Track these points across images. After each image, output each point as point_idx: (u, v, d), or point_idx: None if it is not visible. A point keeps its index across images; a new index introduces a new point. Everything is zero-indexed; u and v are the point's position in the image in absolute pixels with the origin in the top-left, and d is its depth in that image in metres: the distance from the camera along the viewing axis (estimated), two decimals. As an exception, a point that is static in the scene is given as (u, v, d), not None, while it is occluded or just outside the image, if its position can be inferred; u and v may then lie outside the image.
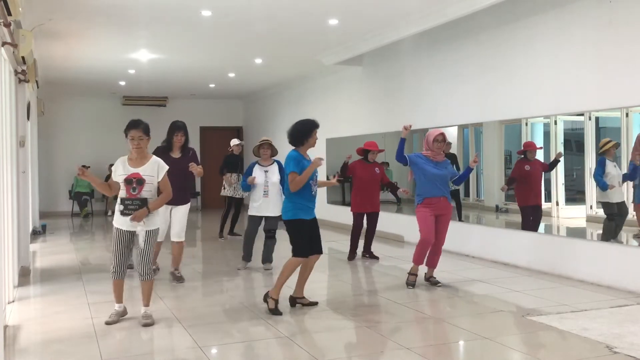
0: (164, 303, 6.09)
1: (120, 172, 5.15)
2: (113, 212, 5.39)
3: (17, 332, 5.18)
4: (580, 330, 4.88)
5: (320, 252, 5.75)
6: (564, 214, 7.81)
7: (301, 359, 4.43)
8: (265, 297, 5.69)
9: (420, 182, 6.53)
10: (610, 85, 6.55)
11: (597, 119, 7.17)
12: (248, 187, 7.60)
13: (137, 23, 8.55)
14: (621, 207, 6.88)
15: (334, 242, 10.02)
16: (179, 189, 6.51)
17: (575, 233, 7.69)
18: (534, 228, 7.82)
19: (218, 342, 4.87)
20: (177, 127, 6.99)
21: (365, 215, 8.39)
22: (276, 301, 5.57)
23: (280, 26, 8.79)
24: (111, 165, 16.30)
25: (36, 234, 11.84)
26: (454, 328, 5.16)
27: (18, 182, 7.34)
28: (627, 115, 6.68)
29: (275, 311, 5.52)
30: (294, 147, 5.70)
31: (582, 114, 7.24)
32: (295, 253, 5.56)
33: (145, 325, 5.18)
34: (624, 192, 6.81)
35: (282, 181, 7.35)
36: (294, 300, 5.82)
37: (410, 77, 10.18)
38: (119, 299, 5.36)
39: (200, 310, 5.93)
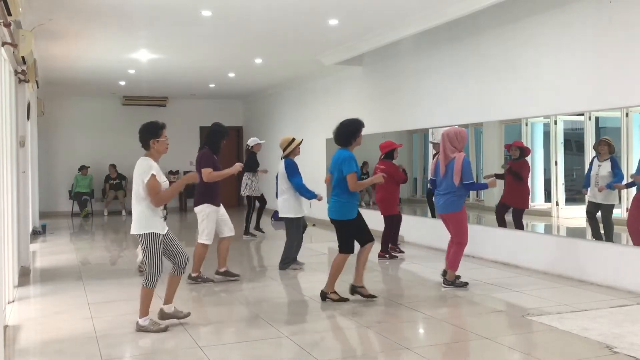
0: (164, 303, 6.10)
1: (164, 177, 5.07)
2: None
3: (17, 332, 5.18)
4: (580, 330, 4.88)
5: (373, 239, 6.06)
6: (564, 214, 7.81)
7: (301, 359, 4.43)
8: (324, 297, 5.96)
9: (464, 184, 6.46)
10: (610, 85, 6.55)
11: (597, 119, 7.17)
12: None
13: (137, 23, 8.55)
14: (593, 207, 7.01)
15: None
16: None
17: (575, 233, 7.69)
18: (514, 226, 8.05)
19: (218, 342, 4.87)
20: (228, 133, 7.17)
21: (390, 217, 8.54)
22: (335, 292, 5.96)
23: (280, 26, 8.79)
24: (112, 165, 16.41)
25: (36, 234, 11.84)
26: (454, 328, 5.16)
27: (18, 182, 7.34)
28: (627, 115, 6.68)
29: (342, 299, 5.93)
30: (340, 147, 5.91)
31: (582, 114, 7.24)
32: (347, 250, 5.95)
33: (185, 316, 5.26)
34: (604, 192, 6.86)
35: None
36: (354, 289, 6.06)
37: (410, 77, 10.18)
38: (148, 311, 5.09)
39: (201, 310, 5.93)
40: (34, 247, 9.91)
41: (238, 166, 6.89)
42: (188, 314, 5.32)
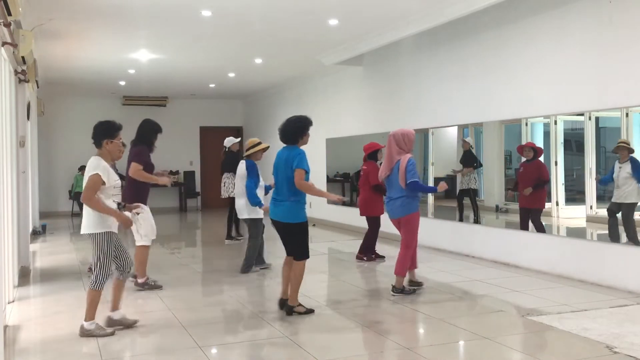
0: (164, 303, 6.10)
1: (116, 176, 4.98)
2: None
3: (17, 332, 5.18)
4: (580, 330, 4.88)
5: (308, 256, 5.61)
6: (564, 214, 7.81)
7: (301, 359, 4.43)
8: (290, 310, 5.49)
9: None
10: (610, 85, 6.55)
11: (597, 119, 7.17)
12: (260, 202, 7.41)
13: (137, 23, 8.55)
14: (616, 206, 6.92)
15: (334, 242, 10.02)
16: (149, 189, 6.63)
17: (575, 233, 7.70)
18: (535, 229, 7.82)
19: (218, 342, 4.87)
20: (161, 129, 6.82)
21: (373, 218, 8.44)
22: (301, 305, 5.52)
23: (280, 26, 8.79)
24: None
25: (36, 234, 11.85)
26: (454, 328, 5.16)
27: (18, 182, 7.35)
28: (627, 115, 6.68)
29: (308, 310, 5.50)
30: (285, 145, 5.54)
31: (582, 114, 7.24)
32: (305, 255, 5.50)
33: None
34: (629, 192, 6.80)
35: None
36: (284, 303, 5.65)
37: (410, 77, 10.18)
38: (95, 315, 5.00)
39: (201, 310, 5.93)
40: (34, 247, 9.91)
41: (167, 180, 6.54)
42: (136, 321, 5.19)
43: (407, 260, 6.25)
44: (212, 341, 4.87)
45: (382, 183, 7.28)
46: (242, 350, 4.68)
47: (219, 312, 5.87)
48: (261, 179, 7.61)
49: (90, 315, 4.90)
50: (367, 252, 8.44)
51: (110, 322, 5.09)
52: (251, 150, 7.54)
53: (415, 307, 5.85)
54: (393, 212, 6.33)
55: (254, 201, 7.34)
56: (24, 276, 7.53)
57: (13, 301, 6.25)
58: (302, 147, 5.56)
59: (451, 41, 9.08)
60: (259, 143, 7.62)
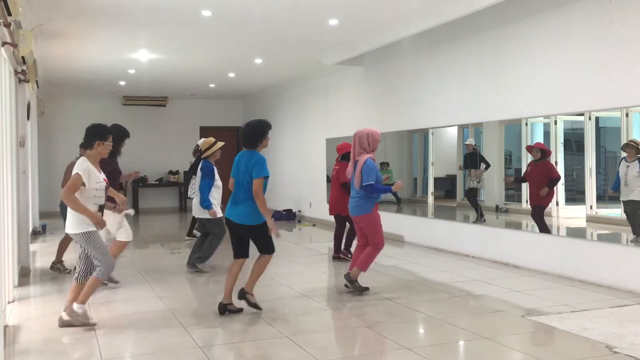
0: (164, 303, 6.10)
1: (100, 178, 5.09)
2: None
3: (17, 332, 5.18)
4: (580, 330, 4.88)
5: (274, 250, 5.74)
6: (564, 214, 7.81)
7: (301, 359, 4.43)
8: (243, 295, 5.67)
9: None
10: (610, 85, 6.55)
11: (597, 119, 7.18)
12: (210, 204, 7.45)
13: (137, 23, 8.55)
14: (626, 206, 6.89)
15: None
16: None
17: (575, 233, 7.70)
18: (538, 228, 7.80)
19: (218, 342, 4.87)
20: (128, 134, 6.76)
21: (343, 217, 8.43)
22: (253, 295, 5.69)
23: (280, 26, 8.79)
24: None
25: (36, 234, 11.84)
26: (454, 328, 5.16)
27: (18, 182, 7.34)
28: (627, 115, 6.68)
29: (256, 305, 5.64)
30: (246, 149, 5.64)
31: (582, 114, 7.25)
32: (271, 250, 5.62)
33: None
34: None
35: None
36: (244, 294, 5.70)
37: (410, 77, 10.19)
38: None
39: (200, 310, 5.93)
40: (34, 247, 9.91)
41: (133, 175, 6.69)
42: (95, 324, 5.20)
43: (372, 259, 6.33)
44: (212, 341, 4.87)
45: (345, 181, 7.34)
46: (242, 350, 4.68)
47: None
48: (218, 179, 7.59)
49: (83, 299, 5.08)
50: (345, 249, 8.48)
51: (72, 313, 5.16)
52: (209, 151, 7.55)
53: (415, 307, 5.85)
54: (350, 210, 6.42)
55: (205, 204, 7.43)
56: (24, 276, 7.53)
57: (13, 301, 6.25)
58: (263, 151, 5.67)
59: (451, 41, 9.08)
60: (215, 142, 7.62)
